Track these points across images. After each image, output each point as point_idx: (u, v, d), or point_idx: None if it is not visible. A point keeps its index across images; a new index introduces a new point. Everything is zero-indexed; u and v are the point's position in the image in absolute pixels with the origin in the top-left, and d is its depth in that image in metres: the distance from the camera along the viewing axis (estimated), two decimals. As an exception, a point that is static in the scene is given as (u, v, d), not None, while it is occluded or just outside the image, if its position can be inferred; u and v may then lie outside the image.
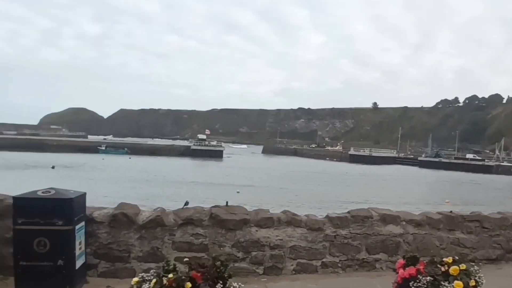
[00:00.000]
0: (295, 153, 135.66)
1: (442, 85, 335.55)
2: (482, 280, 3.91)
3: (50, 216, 4.65)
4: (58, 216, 4.67)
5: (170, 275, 3.38)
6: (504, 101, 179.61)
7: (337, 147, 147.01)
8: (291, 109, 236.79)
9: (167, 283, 3.34)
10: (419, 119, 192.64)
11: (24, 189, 5.04)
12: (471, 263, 4.24)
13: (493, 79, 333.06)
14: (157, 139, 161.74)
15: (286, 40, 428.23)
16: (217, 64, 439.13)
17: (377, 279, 5.83)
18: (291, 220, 6.05)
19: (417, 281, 3.88)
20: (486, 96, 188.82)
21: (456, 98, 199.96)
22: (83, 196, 5.17)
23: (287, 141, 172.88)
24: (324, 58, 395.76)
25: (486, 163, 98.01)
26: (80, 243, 4.98)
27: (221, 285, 3.43)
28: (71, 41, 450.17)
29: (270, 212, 6.21)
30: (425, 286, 3.84)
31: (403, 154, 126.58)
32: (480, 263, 6.23)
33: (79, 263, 4.94)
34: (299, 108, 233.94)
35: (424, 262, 4.07)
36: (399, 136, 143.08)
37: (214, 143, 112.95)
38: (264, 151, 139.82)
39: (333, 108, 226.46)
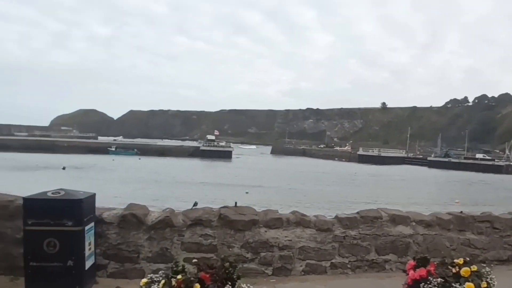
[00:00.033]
0: (304, 153, 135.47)
1: (451, 84, 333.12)
2: (494, 282, 3.86)
3: (59, 217, 4.68)
4: (67, 217, 4.70)
5: (179, 276, 3.38)
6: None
7: (346, 147, 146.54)
8: (300, 109, 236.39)
9: (175, 284, 3.33)
10: (428, 119, 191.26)
11: (35, 190, 5.08)
12: (482, 264, 4.19)
13: (503, 78, 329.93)
14: (166, 140, 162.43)
15: (294, 40, 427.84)
16: (226, 65, 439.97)
17: (387, 280, 5.78)
18: (300, 221, 6.02)
19: (428, 282, 3.83)
20: (496, 96, 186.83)
21: (466, 98, 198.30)
22: (92, 197, 5.19)
23: (296, 141, 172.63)
24: (332, 58, 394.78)
25: (496, 163, 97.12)
26: (89, 244, 5.01)
27: (230, 287, 3.42)
28: (81, 43, 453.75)
29: (279, 213, 6.18)
30: None
31: (412, 154, 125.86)
32: (492, 264, 6.15)
33: (88, 263, 4.96)
34: (308, 109, 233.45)
35: (435, 263, 4.02)
36: (408, 136, 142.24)
37: (223, 143, 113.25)
38: (272, 152, 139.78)
39: (341, 108, 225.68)
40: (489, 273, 3.91)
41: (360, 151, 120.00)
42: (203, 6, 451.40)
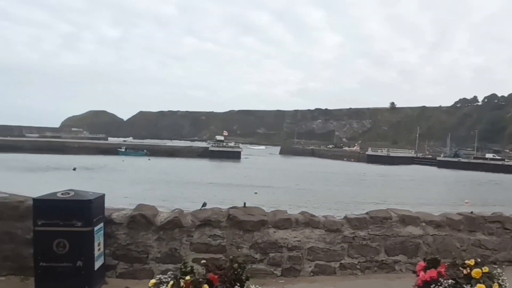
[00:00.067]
0: (313, 153, 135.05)
1: (460, 84, 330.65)
2: (506, 283, 3.81)
3: (69, 217, 4.70)
4: (77, 217, 4.72)
5: (187, 277, 3.38)
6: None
7: (355, 147, 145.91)
8: (308, 109, 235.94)
9: (184, 285, 3.34)
10: (437, 118, 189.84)
11: (45, 191, 5.10)
12: (493, 266, 4.14)
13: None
14: (175, 140, 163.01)
15: (302, 40, 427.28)
16: (234, 65, 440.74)
17: (397, 281, 5.75)
18: (309, 221, 6.00)
19: (439, 284, 3.79)
20: (506, 95, 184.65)
21: (475, 97, 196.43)
22: (101, 197, 5.21)
23: (305, 141, 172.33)
24: (340, 58, 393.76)
25: (506, 163, 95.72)
26: (99, 244, 5.03)
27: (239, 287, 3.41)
28: (91, 45, 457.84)
29: (287, 213, 6.18)
30: (447, 289, 3.76)
31: (421, 154, 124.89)
32: (503, 265, 6.09)
33: (98, 264, 4.98)
34: (316, 109, 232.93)
35: (446, 264, 3.98)
36: (417, 136, 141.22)
37: (232, 144, 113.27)
38: (281, 152, 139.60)
39: (350, 108, 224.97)
40: (500, 274, 3.86)
41: (369, 151, 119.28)
42: (212, 7, 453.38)
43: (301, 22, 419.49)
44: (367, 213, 6.38)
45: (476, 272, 3.77)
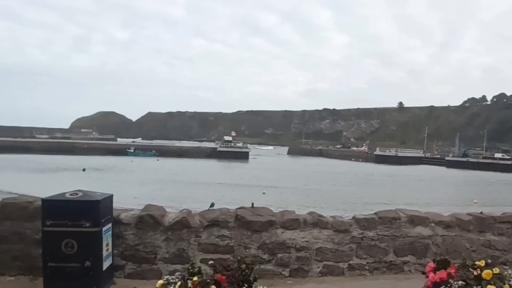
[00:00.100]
0: (321, 154, 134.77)
1: (469, 83, 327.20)
2: (517, 285, 3.76)
3: (77, 218, 4.72)
4: (85, 218, 4.74)
5: (195, 278, 3.37)
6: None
7: (363, 147, 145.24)
8: (316, 110, 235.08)
9: (191, 286, 3.33)
10: (445, 118, 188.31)
11: (55, 191, 5.13)
12: (504, 266, 4.09)
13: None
14: (184, 141, 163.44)
15: (310, 41, 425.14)
16: (242, 66, 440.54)
17: (405, 282, 5.71)
18: (317, 222, 5.98)
19: (448, 285, 3.76)
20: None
21: (484, 97, 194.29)
22: (110, 198, 5.23)
23: (313, 142, 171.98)
24: (348, 58, 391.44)
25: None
26: (107, 245, 5.04)
27: (246, 288, 3.41)
28: (100, 47, 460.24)
29: (296, 214, 6.15)
30: (457, 290, 3.72)
31: (429, 154, 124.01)
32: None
33: (106, 264, 4.99)
34: (324, 109, 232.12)
35: (456, 265, 3.94)
36: (425, 136, 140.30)
37: (240, 144, 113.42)
38: (289, 152, 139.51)
39: (358, 108, 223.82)
40: (511, 275, 3.81)
41: (377, 151, 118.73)
42: (220, 8, 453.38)
43: (308, 23, 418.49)
44: (375, 213, 6.34)
45: (486, 273, 3.72)
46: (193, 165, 72.69)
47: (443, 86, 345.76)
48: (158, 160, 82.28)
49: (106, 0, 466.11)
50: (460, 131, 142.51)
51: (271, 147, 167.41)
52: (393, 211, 6.41)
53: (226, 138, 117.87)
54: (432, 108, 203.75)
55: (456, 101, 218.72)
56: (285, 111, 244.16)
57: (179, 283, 3.41)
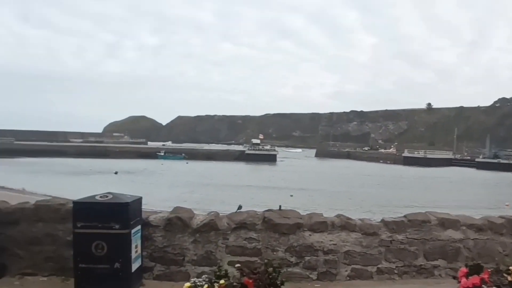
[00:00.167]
0: (348, 156, 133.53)
1: (500, 83, 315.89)
2: (553, 291, 3.62)
3: (107, 220, 4.80)
4: (115, 220, 4.81)
5: (222, 281, 3.39)
6: None
7: (391, 149, 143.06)
8: (344, 112, 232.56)
9: (218, 289, 3.35)
10: (475, 119, 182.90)
11: (88, 194, 5.24)
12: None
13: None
14: (213, 144, 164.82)
15: (337, 42, 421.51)
16: (270, 69, 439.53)
17: (436, 287, 5.56)
18: (345, 225, 5.90)
19: (481, 291, 3.65)
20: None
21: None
22: (139, 200, 5.30)
23: (340, 144, 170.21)
24: (376, 60, 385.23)
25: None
26: (136, 247, 5.11)
27: (273, 292, 3.40)
28: (131, 52, 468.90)
29: (323, 216, 6.08)
30: (490, 296, 3.61)
31: (459, 156, 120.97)
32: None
33: (135, 266, 5.06)
34: (352, 111, 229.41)
35: (489, 270, 3.83)
36: (455, 137, 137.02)
37: (268, 147, 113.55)
38: (317, 155, 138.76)
39: (386, 110, 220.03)
40: (547, 281, 3.67)
41: (406, 153, 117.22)
42: (247, 12, 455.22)
43: (335, 24, 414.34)
44: (405, 216, 6.21)
45: (521, 279, 3.60)
46: (222, 168, 73.20)
47: (472, 86, 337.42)
48: (187, 163, 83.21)
49: (136, 7, 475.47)
50: (490, 132, 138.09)
51: (299, 150, 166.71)
52: (423, 214, 6.26)
53: (254, 141, 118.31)
54: (461, 108, 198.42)
55: (486, 101, 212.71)
56: (313, 113, 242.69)
57: (206, 286, 3.43)
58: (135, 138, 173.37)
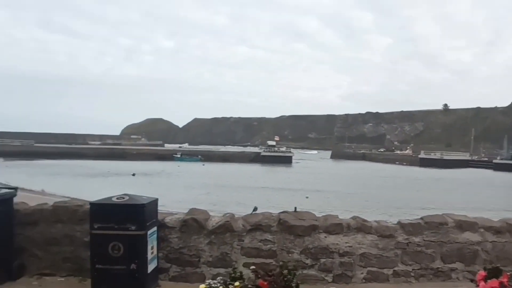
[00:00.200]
0: (364, 157, 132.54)
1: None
2: None
3: (123, 221, 4.85)
4: (131, 221, 4.86)
5: (236, 283, 3.39)
6: None
7: (407, 150, 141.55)
8: (359, 113, 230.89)
9: (233, 291, 3.35)
10: (493, 119, 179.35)
11: (106, 195, 5.30)
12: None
13: None
14: (228, 146, 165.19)
15: (352, 44, 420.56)
16: (285, 71, 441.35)
17: (453, 290, 5.49)
18: (361, 226, 5.85)
19: (500, 294, 3.58)
20: None
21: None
22: (155, 202, 5.34)
23: (356, 145, 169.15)
24: (391, 61, 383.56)
25: None
26: (152, 248, 5.15)
27: (288, 295, 3.39)
28: (148, 56, 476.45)
29: (339, 218, 6.04)
30: (509, 300, 3.54)
31: (476, 157, 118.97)
32: None
33: (151, 267, 5.10)
34: (367, 112, 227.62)
35: (508, 274, 3.76)
36: (472, 138, 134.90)
37: (284, 149, 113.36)
38: (332, 156, 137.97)
39: (401, 111, 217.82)
40: None
41: (422, 155, 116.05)
42: (261, 16, 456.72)
43: (350, 26, 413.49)
44: (421, 218, 6.12)
45: (541, 283, 3.52)
46: (237, 170, 73.32)
47: (490, 86, 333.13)
48: (203, 165, 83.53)
49: (153, 11, 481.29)
50: (508, 133, 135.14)
51: (315, 152, 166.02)
52: (440, 216, 6.17)
53: (270, 143, 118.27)
54: (478, 109, 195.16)
55: (504, 102, 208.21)
56: (328, 115, 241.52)
57: (220, 287, 3.43)
58: (152, 140, 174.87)
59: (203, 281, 4.29)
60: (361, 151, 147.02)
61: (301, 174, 67.52)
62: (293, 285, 3.58)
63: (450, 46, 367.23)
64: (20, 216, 5.64)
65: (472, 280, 4.01)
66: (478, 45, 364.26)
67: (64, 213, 5.67)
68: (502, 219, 6.41)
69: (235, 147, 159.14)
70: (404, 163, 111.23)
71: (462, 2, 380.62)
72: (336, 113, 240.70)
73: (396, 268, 5.82)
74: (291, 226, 5.69)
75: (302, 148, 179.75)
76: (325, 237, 5.74)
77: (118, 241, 4.81)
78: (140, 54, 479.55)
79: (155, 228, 5.27)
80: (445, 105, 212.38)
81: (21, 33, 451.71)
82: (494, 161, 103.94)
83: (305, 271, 5.57)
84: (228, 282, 3.46)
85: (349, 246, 5.75)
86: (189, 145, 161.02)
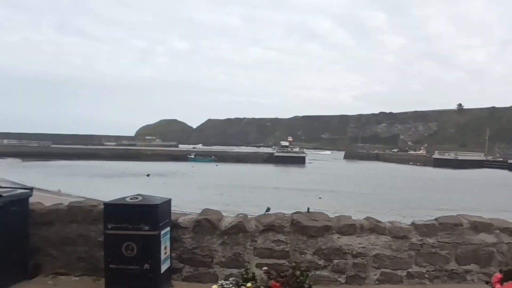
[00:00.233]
0: (377, 158, 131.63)
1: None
2: None
3: (137, 221, 4.88)
4: (144, 221, 4.89)
5: (249, 284, 3.40)
6: None
7: (421, 151, 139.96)
8: (372, 113, 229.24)
9: (245, 292, 3.35)
10: (508, 119, 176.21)
11: (121, 195, 5.33)
12: None
13: None
14: (242, 147, 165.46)
15: (365, 44, 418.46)
16: (298, 72, 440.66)
17: (468, 292, 5.42)
18: (375, 227, 5.80)
19: (516, 297, 3.54)
20: None
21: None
22: (168, 202, 5.36)
23: (369, 146, 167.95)
24: (404, 61, 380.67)
25: None
26: (165, 248, 5.17)
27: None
28: (162, 58, 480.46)
29: (352, 219, 6.00)
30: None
31: (491, 157, 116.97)
32: None
33: (164, 267, 5.13)
34: (380, 113, 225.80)
35: (524, 276, 3.71)
36: (486, 138, 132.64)
37: (297, 149, 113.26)
38: (346, 157, 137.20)
39: (415, 111, 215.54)
40: None
41: (436, 155, 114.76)
42: (274, 16, 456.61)
43: (363, 26, 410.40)
44: (436, 219, 6.05)
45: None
46: (251, 170, 73.41)
47: (505, 86, 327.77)
48: (217, 165, 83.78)
49: (167, 14, 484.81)
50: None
51: (328, 152, 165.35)
52: (455, 217, 6.09)
53: (283, 143, 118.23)
54: (493, 109, 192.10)
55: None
56: (341, 115, 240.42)
57: (232, 288, 3.44)
58: (167, 141, 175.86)
59: (215, 282, 4.30)
60: (375, 152, 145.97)
61: (314, 174, 67.32)
62: (306, 286, 3.57)
63: (464, 45, 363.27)
64: (35, 216, 5.72)
65: (487, 282, 3.97)
66: (493, 44, 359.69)
67: (79, 213, 5.74)
68: (517, 220, 6.32)
69: (249, 147, 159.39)
70: (418, 164, 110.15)
71: (477, 1, 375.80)
72: (349, 114, 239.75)
73: (410, 270, 5.76)
74: (304, 227, 5.67)
75: (315, 148, 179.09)
76: (338, 238, 5.71)
77: (132, 241, 4.84)
78: (155, 56, 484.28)
79: (168, 228, 5.30)
80: (459, 104, 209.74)
81: (38, 35, 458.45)
82: (509, 161, 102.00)
83: (318, 272, 5.55)
84: (240, 283, 3.47)
85: (363, 247, 5.71)
86: (203, 145, 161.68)
